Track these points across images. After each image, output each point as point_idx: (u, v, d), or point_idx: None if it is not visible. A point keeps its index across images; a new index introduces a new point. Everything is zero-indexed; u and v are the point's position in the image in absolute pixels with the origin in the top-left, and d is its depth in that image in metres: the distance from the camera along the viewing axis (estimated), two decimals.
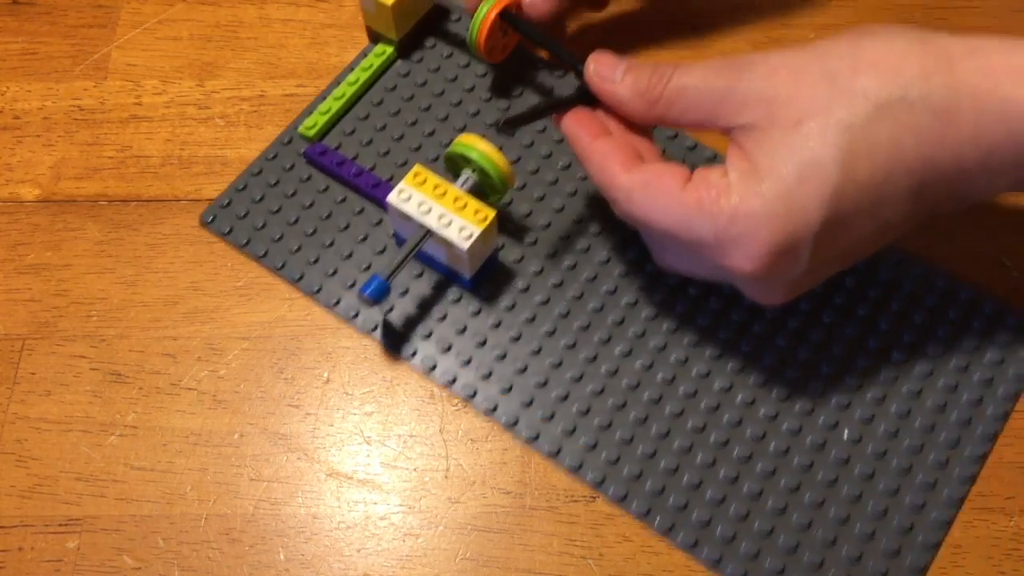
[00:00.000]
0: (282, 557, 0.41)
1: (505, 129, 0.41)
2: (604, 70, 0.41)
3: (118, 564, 0.41)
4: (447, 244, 0.43)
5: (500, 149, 0.48)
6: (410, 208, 0.43)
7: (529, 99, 0.51)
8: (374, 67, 0.51)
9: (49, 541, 0.42)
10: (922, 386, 0.44)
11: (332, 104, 0.50)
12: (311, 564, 0.41)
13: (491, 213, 0.43)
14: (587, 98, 0.42)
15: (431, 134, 0.50)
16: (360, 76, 0.51)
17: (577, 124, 0.42)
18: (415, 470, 0.43)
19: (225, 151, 0.51)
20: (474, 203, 0.43)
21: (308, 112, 0.51)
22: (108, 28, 0.55)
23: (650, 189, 0.39)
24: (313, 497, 0.43)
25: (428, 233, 0.43)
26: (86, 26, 0.55)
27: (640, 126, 0.42)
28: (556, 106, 0.43)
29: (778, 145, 0.37)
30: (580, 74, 0.43)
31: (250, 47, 0.54)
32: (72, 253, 0.48)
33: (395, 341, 0.45)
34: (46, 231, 0.49)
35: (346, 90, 0.51)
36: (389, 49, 0.52)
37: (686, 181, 0.38)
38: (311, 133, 0.50)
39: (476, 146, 0.44)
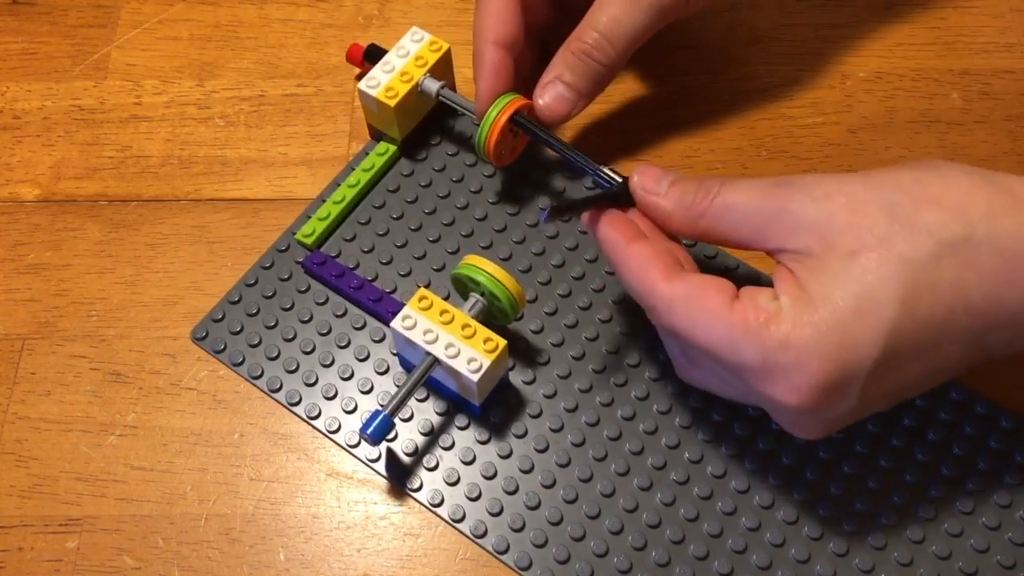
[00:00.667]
0: (282, 557, 0.41)
1: (555, 216, 0.39)
2: (649, 183, 0.40)
3: (118, 564, 0.41)
4: (455, 374, 0.41)
5: (509, 260, 0.46)
6: (415, 336, 0.41)
7: (541, 201, 0.49)
8: (376, 167, 0.49)
9: (49, 541, 0.42)
10: (962, 526, 0.41)
11: (331, 209, 0.48)
12: (311, 564, 0.41)
13: (501, 343, 0.41)
14: (625, 198, 0.41)
15: (436, 240, 0.48)
16: (361, 177, 0.48)
17: (612, 227, 0.40)
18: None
19: (225, 151, 0.51)
20: (483, 331, 0.41)
21: (306, 216, 0.48)
22: (108, 28, 0.55)
23: (693, 302, 0.37)
24: (313, 497, 0.43)
25: (435, 362, 0.41)
26: (86, 26, 0.55)
27: (676, 239, 0.41)
28: (601, 199, 0.41)
29: (834, 275, 0.35)
30: (608, 182, 0.42)
31: (250, 47, 0.54)
32: (72, 253, 0.48)
33: (399, 473, 0.43)
34: (46, 231, 0.49)
35: (346, 193, 0.48)
36: (392, 148, 0.49)
37: (733, 299, 0.36)
38: (309, 241, 0.47)
39: (485, 268, 0.41)
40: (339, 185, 0.49)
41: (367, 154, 0.49)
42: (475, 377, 0.40)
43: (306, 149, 0.51)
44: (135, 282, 0.47)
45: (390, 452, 0.43)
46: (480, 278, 0.41)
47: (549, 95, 0.45)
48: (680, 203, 0.39)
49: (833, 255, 0.35)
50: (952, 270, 0.35)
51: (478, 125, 0.46)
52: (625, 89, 0.53)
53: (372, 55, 0.49)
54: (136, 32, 0.55)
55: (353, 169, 0.49)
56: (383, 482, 0.43)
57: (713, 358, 0.37)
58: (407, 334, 0.41)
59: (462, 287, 0.44)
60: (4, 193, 0.50)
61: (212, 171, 0.50)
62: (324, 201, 0.49)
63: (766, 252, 0.38)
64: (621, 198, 0.41)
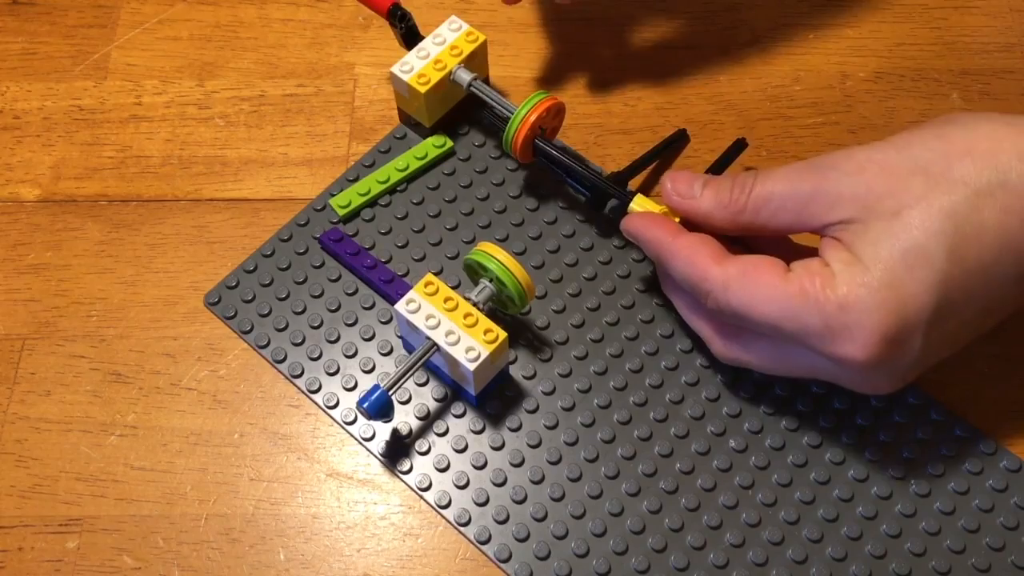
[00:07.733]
0: (282, 557, 0.41)
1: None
2: (682, 187, 0.42)
3: (118, 564, 0.41)
4: (453, 361, 0.41)
5: (523, 254, 0.47)
6: (417, 320, 0.41)
7: (561, 200, 0.49)
8: (428, 157, 0.49)
9: (49, 541, 0.42)
10: (951, 565, 0.41)
11: (372, 186, 0.48)
12: (311, 564, 0.41)
13: (502, 335, 0.41)
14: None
15: (453, 228, 0.48)
16: (411, 163, 0.49)
17: (655, 226, 0.41)
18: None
19: (225, 151, 0.51)
20: (485, 322, 0.41)
21: (346, 180, 0.49)
22: (108, 28, 0.55)
23: (748, 279, 0.38)
24: (313, 497, 0.43)
25: (434, 347, 0.41)
26: (86, 26, 0.55)
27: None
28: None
29: (880, 235, 0.36)
30: (600, 197, 0.45)
31: (250, 47, 0.54)
32: (72, 253, 0.48)
33: (392, 455, 0.43)
34: (46, 231, 0.49)
35: (391, 175, 0.48)
36: (449, 143, 0.49)
37: (785, 271, 0.38)
38: (342, 212, 0.48)
39: (496, 256, 0.42)
40: (374, 166, 0.49)
41: (402, 137, 0.50)
42: (472, 366, 0.40)
43: (306, 149, 0.51)
44: (135, 282, 0.47)
45: (384, 432, 0.43)
46: (490, 264, 0.42)
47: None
48: (717, 202, 0.40)
49: (876, 218, 0.37)
50: (993, 216, 0.36)
51: (507, 120, 0.46)
52: (626, 90, 0.53)
53: (409, 39, 0.49)
54: (136, 32, 0.55)
55: (386, 151, 0.50)
56: (383, 482, 0.43)
57: (774, 330, 0.38)
58: (410, 317, 0.41)
59: (473, 273, 0.44)
60: (4, 193, 0.50)
61: (212, 171, 0.50)
62: (355, 180, 0.49)
63: (810, 232, 0.39)
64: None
